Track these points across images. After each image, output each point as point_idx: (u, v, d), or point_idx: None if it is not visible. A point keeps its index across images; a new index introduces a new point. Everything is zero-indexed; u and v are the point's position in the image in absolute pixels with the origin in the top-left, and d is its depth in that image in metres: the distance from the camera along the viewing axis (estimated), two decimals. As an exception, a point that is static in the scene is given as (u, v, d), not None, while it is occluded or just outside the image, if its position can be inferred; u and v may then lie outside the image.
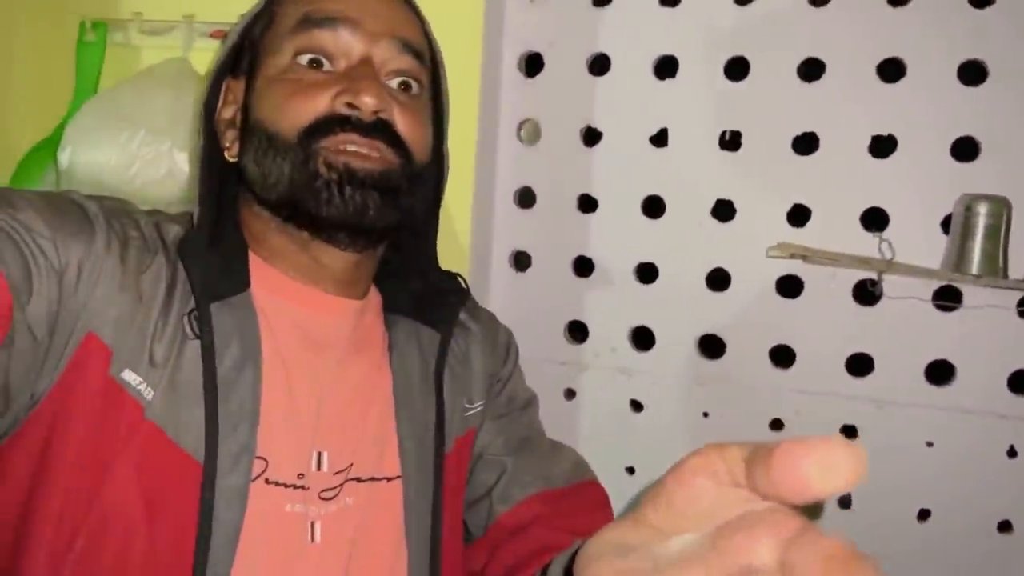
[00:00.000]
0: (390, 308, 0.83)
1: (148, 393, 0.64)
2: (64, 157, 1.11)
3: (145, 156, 1.11)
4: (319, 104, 0.70)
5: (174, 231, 0.73)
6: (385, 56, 0.73)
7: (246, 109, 0.75)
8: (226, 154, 0.76)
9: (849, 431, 1.14)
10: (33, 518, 0.62)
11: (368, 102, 0.69)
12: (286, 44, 0.73)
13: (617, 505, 1.21)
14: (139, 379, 0.64)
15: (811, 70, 1.12)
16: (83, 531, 0.62)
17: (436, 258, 0.87)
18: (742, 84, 1.15)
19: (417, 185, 0.75)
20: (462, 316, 0.87)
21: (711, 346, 1.19)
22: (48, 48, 1.28)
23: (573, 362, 1.23)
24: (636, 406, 1.22)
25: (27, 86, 1.30)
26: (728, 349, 1.18)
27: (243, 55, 0.77)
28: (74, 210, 0.66)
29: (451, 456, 0.80)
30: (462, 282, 0.85)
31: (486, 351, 0.89)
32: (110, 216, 0.68)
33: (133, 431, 0.64)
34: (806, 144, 1.13)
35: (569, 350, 1.24)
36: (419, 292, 0.83)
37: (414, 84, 0.75)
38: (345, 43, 0.72)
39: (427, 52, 0.78)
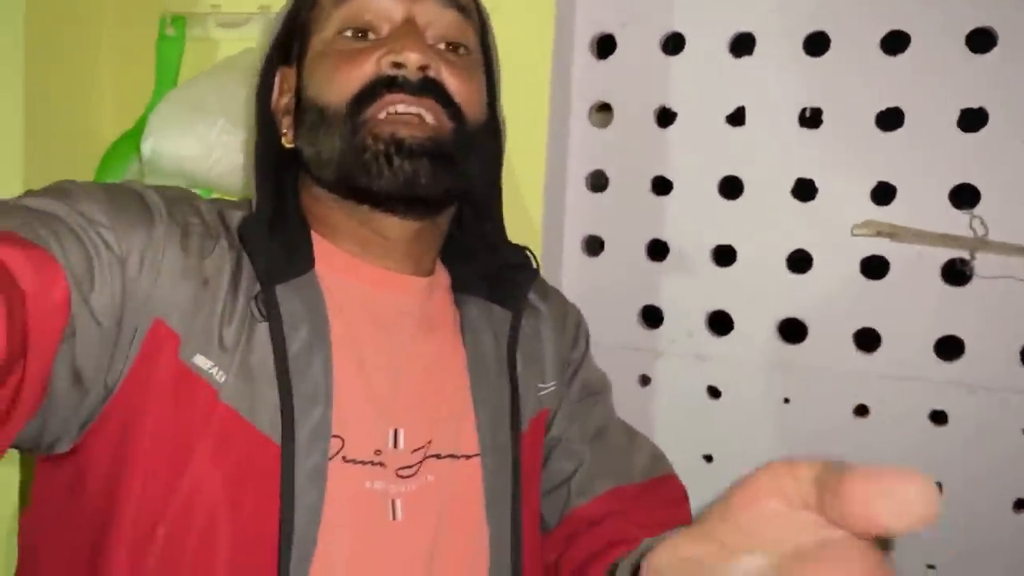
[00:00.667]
0: (459, 287, 0.82)
1: (220, 376, 0.65)
2: (146, 147, 1.14)
3: (223, 144, 1.13)
4: (365, 69, 0.70)
5: (237, 217, 0.73)
6: (429, 15, 0.73)
7: (299, 92, 0.75)
8: (283, 141, 0.77)
9: (938, 417, 1.09)
10: (115, 512, 0.63)
11: (412, 57, 0.69)
12: (329, 21, 0.73)
13: (695, 493, 1.19)
14: (210, 363, 0.65)
15: (894, 43, 1.08)
16: (165, 518, 0.63)
17: (503, 231, 0.85)
18: (822, 59, 1.11)
19: (472, 147, 0.73)
20: (532, 296, 0.86)
21: (792, 330, 1.16)
22: (131, 43, 1.31)
23: (648, 348, 1.21)
24: (714, 393, 1.19)
25: (112, 80, 1.34)
26: (810, 333, 1.14)
27: (292, 42, 0.77)
28: (134, 200, 0.67)
29: (526, 436, 0.80)
30: (531, 257, 0.84)
31: (556, 332, 0.88)
32: (170, 204, 0.69)
33: (208, 415, 0.64)
34: (890, 119, 1.09)
35: (643, 336, 1.22)
36: (488, 270, 0.82)
37: (462, 46, 0.75)
38: (386, 8, 0.72)
39: (473, 7, 0.77)
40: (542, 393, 0.84)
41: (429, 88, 0.70)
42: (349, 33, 0.72)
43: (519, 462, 0.77)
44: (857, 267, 1.11)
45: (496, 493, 0.75)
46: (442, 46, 0.74)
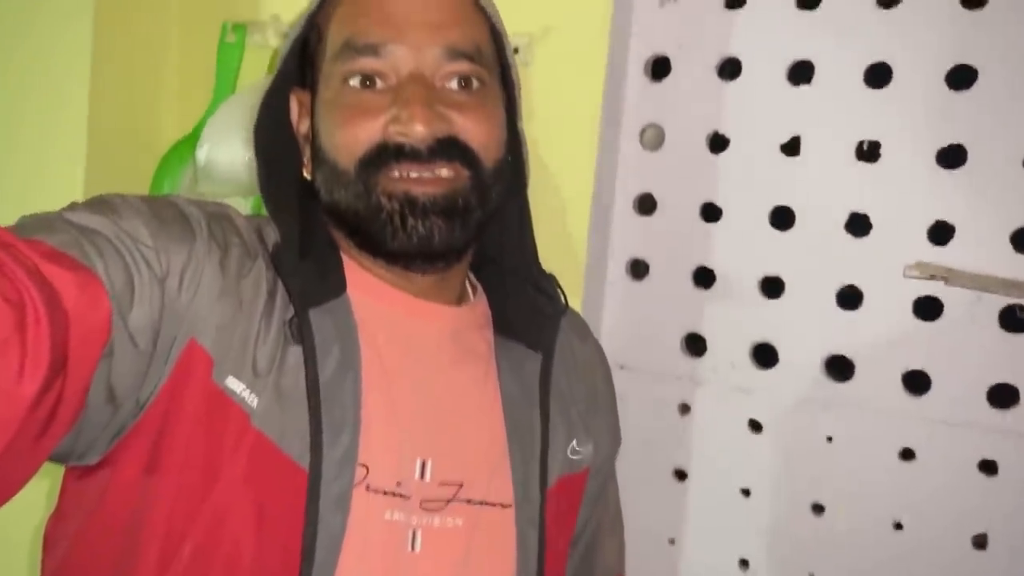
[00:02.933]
0: (498, 321, 0.81)
1: (252, 401, 0.65)
2: (201, 154, 1.17)
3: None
4: (371, 132, 0.69)
5: (274, 236, 0.73)
6: (435, 65, 0.70)
7: (314, 129, 0.74)
8: (304, 171, 0.76)
9: (988, 467, 1.05)
10: (142, 526, 0.64)
11: (419, 131, 0.67)
12: (334, 69, 0.71)
13: (731, 527, 1.17)
14: (243, 386, 0.65)
15: (961, 77, 1.04)
16: (191, 538, 0.63)
17: (533, 248, 0.82)
18: (883, 91, 1.08)
19: (492, 187, 0.73)
20: (568, 335, 0.84)
21: (839, 367, 1.13)
22: (193, 49, 1.34)
23: (689, 376, 1.19)
24: (755, 426, 1.17)
25: (174, 85, 1.37)
26: (857, 371, 1.11)
27: (305, 67, 0.76)
28: (177, 217, 0.67)
29: (552, 492, 0.78)
30: (560, 292, 0.81)
31: (597, 391, 0.88)
32: (211, 222, 0.68)
33: (240, 439, 0.64)
34: (952, 156, 1.05)
35: (685, 363, 1.20)
36: (518, 302, 0.81)
37: (475, 80, 0.72)
38: (391, 64, 0.69)
39: (485, 42, 0.74)
40: (576, 457, 0.81)
41: (440, 150, 0.69)
42: (356, 82, 0.70)
43: (544, 518, 0.75)
44: (910, 306, 1.08)
45: (528, 548, 0.74)
46: (453, 84, 0.72)
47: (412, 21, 0.70)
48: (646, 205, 1.23)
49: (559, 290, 0.81)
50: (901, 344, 1.08)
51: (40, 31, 1.26)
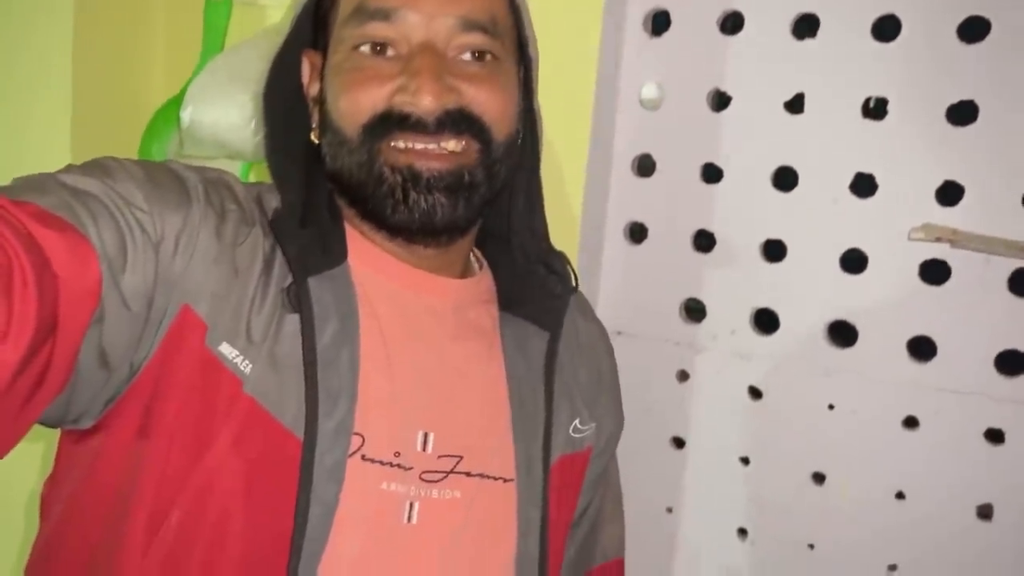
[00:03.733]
0: (503, 300, 0.79)
1: (246, 367, 0.64)
2: (186, 116, 1.14)
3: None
4: (377, 99, 0.67)
5: (275, 203, 0.71)
6: (448, 35, 0.68)
7: (322, 93, 0.72)
8: (312, 136, 0.74)
9: (994, 435, 1.02)
10: (132, 492, 0.64)
11: (426, 102, 0.66)
12: (344, 32, 0.69)
13: (731, 495, 1.15)
14: (236, 352, 0.64)
15: (972, 30, 0.99)
16: (179, 505, 0.63)
17: (544, 224, 0.81)
18: (891, 45, 1.03)
19: (501, 162, 0.71)
20: (572, 313, 0.82)
21: (842, 333, 1.09)
22: (179, 7, 1.30)
23: (688, 343, 1.17)
24: (755, 393, 1.14)
25: (160, 45, 1.33)
26: (861, 337, 1.08)
27: (318, 29, 0.74)
28: (173, 182, 0.66)
29: (553, 469, 0.76)
30: (572, 271, 0.80)
31: (599, 369, 0.86)
32: (208, 188, 0.67)
33: (232, 405, 0.64)
34: (963, 113, 1.01)
35: (685, 330, 1.17)
36: (525, 279, 0.79)
37: (488, 54, 0.70)
38: (402, 30, 0.68)
39: (502, 15, 0.72)
40: (578, 435, 0.80)
41: (449, 122, 0.67)
42: (366, 48, 0.68)
43: (548, 495, 0.74)
44: (916, 270, 1.04)
45: (529, 524, 0.73)
46: (467, 56, 0.69)
47: None
48: (645, 166, 1.19)
49: (570, 269, 0.79)
50: (906, 309, 1.05)
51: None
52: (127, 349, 0.62)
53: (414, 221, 0.68)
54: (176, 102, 1.25)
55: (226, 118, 1.12)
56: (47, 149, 1.22)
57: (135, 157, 1.22)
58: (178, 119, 1.22)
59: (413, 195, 0.67)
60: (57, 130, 1.21)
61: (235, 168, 1.20)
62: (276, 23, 1.22)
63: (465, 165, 0.68)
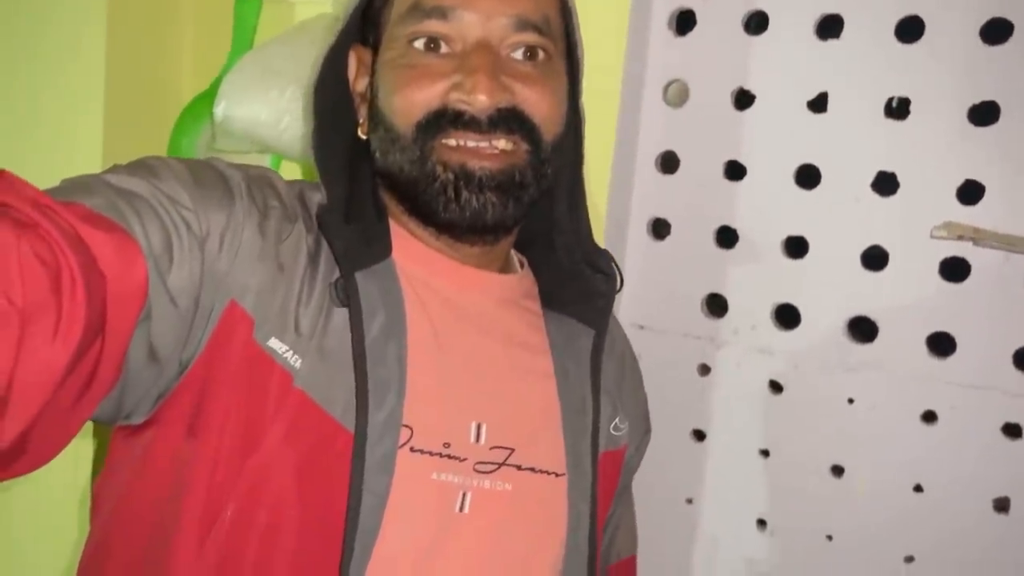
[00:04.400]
0: (545, 297, 0.81)
1: (296, 361, 0.65)
2: (219, 111, 1.15)
3: (294, 111, 1.13)
4: (431, 97, 0.68)
5: (316, 199, 0.72)
6: (503, 34, 0.69)
7: (373, 88, 0.73)
8: (359, 131, 0.75)
9: (1012, 430, 1.04)
10: (184, 488, 0.64)
11: (481, 100, 0.66)
12: (399, 29, 0.70)
13: (750, 488, 1.17)
14: (285, 347, 0.65)
15: (995, 31, 1.01)
16: (232, 500, 0.63)
17: (587, 223, 0.82)
18: (914, 46, 1.05)
19: (549, 162, 0.72)
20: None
21: (863, 329, 1.11)
22: (208, 4, 1.32)
23: (709, 337, 1.18)
24: (775, 387, 1.16)
25: (190, 40, 1.35)
26: (881, 333, 1.09)
27: (368, 24, 0.75)
28: (216, 180, 0.67)
29: (600, 464, 0.78)
30: (617, 269, 0.81)
31: (628, 371, 0.89)
32: (251, 185, 0.68)
33: (282, 399, 0.64)
34: (984, 114, 1.02)
35: (706, 324, 1.19)
36: (569, 278, 0.80)
37: (541, 52, 0.71)
38: (458, 28, 0.69)
39: (554, 15, 0.73)
40: (617, 433, 0.82)
41: (501, 121, 0.68)
42: (420, 44, 0.69)
43: (596, 489, 0.76)
44: (936, 267, 1.06)
45: (579, 518, 0.74)
46: (519, 54, 0.70)
47: None
48: (669, 163, 1.21)
49: (615, 266, 0.80)
50: (926, 306, 1.07)
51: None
52: (176, 346, 0.63)
53: (464, 219, 0.69)
54: (204, 98, 1.27)
55: (258, 113, 1.14)
56: (81, 146, 1.24)
57: (165, 151, 1.25)
58: (207, 115, 1.24)
59: (465, 194, 0.68)
60: (90, 126, 1.23)
61: (264, 161, 1.22)
62: (305, 19, 1.24)
63: (516, 164, 0.69)
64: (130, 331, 0.59)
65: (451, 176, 0.68)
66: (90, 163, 1.21)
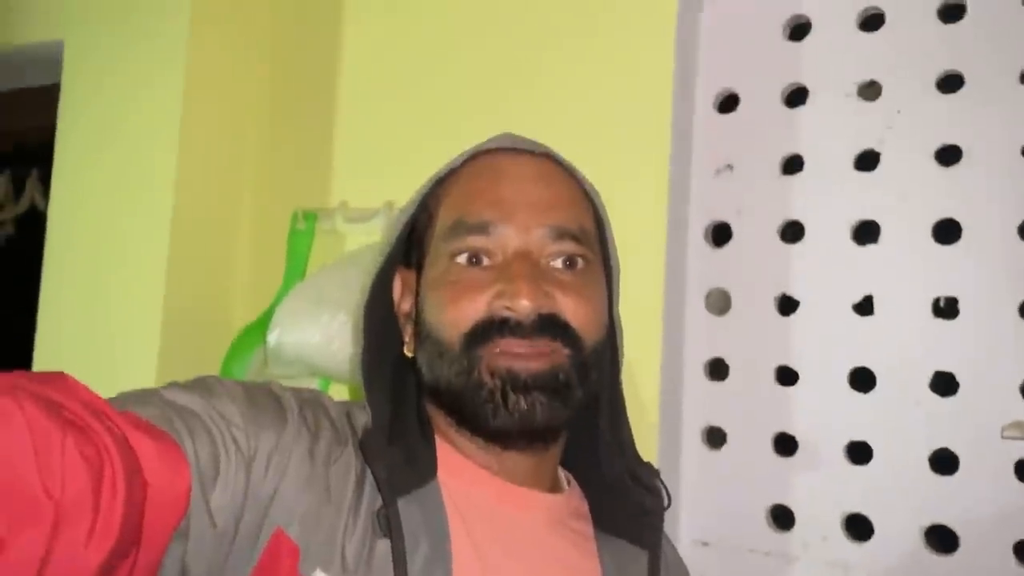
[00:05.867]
0: (595, 513, 0.78)
1: None
2: (272, 338, 1.19)
3: (344, 335, 1.16)
4: (477, 308, 0.69)
5: (362, 421, 0.73)
6: (542, 244, 0.72)
7: (418, 307, 0.75)
8: (405, 349, 0.76)
9: None
10: None
11: (524, 305, 0.68)
12: (443, 247, 0.73)
13: None
14: None
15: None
16: None
17: (629, 433, 0.80)
18: (955, 247, 1.06)
19: (589, 371, 0.72)
20: None
21: (942, 538, 1.05)
22: (264, 237, 1.39)
23: (779, 552, 1.12)
24: (854, 605, 1.08)
25: (245, 272, 1.41)
26: (962, 543, 1.03)
27: (411, 248, 0.78)
28: (269, 401, 0.68)
29: None
30: (663, 485, 0.78)
31: None
32: (303, 407, 0.69)
33: None
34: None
35: (774, 538, 1.13)
36: (616, 495, 0.78)
37: (580, 260, 0.73)
38: (499, 242, 0.71)
39: (590, 225, 0.76)
40: None
41: (543, 327, 0.69)
42: (463, 259, 0.72)
43: None
44: (1011, 469, 1.01)
45: None
46: (559, 263, 0.72)
47: (521, 202, 0.72)
48: (718, 370, 1.20)
49: (660, 483, 0.78)
50: (1007, 511, 1.01)
51: (121, 222, 1.33)
52: (211, 570, 0.61)
53: (514, 423, 0.68)
54: (258, 326, 1.31)
55: (309, 338, 1.17)
56: (135, 369, 1.27)
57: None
58: (258, 342, 1.28)
59: (512, 396, 0.68)
60: (146, 351, 1.27)
61: (314, 383, 1.24)
62: (354, 249, 1.29)
63: (559, 365, 0.69)
64: (166, 542, 0.57)
65: (498, 382, 0.68)
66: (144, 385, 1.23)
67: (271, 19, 1.46)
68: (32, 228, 1.50)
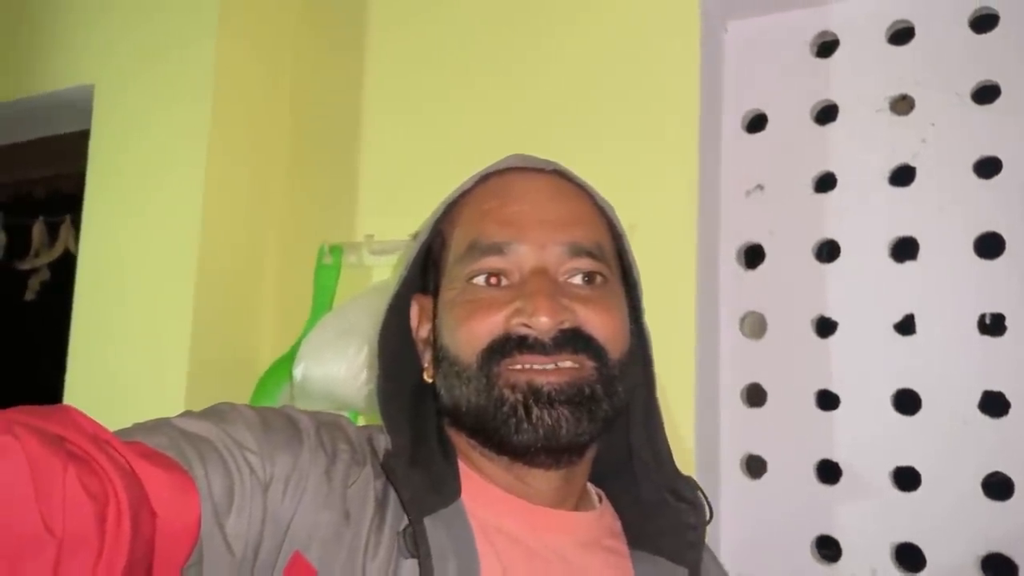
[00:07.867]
0: (630, 531, 0.75)
1: None
2: (298, 372, 1.17)
3: (370, 367, 1.15)
4: (494, 325, 0.68)
5: (384, 443, 0.71)
6: (558, 261, 0.70)
7: (435, 331, 0.73)
8: (424, 375, 0.75)
9: None
10: None
11: (543, 322, 0.66)
12: (458, 269, 0.71)
13: None
14: None
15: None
16: None
17: (667, 447, 0.77)
18: (998, 262, 1.02)
19: (618, 379, 0.69)
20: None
21: (999, 568, 0.99)
22: (291, 272, 1.39)
23: (826, 585, 1.07)
24: (910, 641, 1.03)
25: (272, 307, 1.41)
26: (1022, 572, 0.97)
27: (428, 274, 0.76)
28: (285, 425, 0.66)
29: None
30: (704, 497, 0.75)
31: None
32: (320, 429, 0.68)
33: None
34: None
35: (820, 571, 1.08)
36: (653, 510, 0.75)
37: (598, 276, 0.71)
38: (515, 261, 0.70)
39: (606, 241, 0.74)
40: None
41: (565, 342, 0.67)
42: (481, 280, 0.70)
43: None
44: (1071, 493, 0.96)
45: None
46: (577, 279, 0.70)
47: (535, 221, 0.71)
48: (755, 396, 1.16)
49: (701, 494, 0.74)
50: (1069, 537, 0.95)
51: (149, 262, 1.34)
52: None
53: (538, 438, 0.65)
54: (285, 361, 1.30)
55: (336, 371, 1.16)
56: (163, 405, 1.26)
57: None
58: (286, 378, 1.27)
59: (536, 411, 0.65)
60: (174, 387, 1.26)
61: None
62: (380, 281, 1.28)
63: (583, 379, 0.67)
64: (177, 573, 0.56)
65: (519, 396, 0.66)
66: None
67: (295, 59, 1.47)
68: (67, 273, 1.52)
